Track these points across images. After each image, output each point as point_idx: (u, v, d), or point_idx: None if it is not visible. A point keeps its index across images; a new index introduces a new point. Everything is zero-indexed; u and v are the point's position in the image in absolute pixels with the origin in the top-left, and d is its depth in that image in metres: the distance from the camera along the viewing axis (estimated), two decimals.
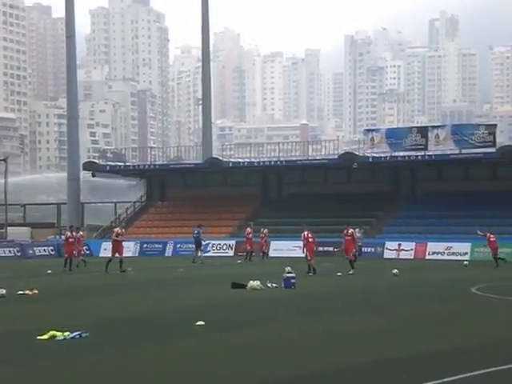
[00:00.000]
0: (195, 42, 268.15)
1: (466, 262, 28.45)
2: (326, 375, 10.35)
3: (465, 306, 18.82)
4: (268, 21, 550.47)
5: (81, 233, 39.52)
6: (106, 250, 52.74)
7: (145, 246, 52.42)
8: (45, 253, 51.02)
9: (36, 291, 22.24)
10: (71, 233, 36.52)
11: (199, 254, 40.91)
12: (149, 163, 61.48)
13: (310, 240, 30.67)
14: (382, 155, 52.60)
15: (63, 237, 36.69)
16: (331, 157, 55.70)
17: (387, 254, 45.50)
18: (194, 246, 42.21)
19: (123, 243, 34.39)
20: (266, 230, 43.70)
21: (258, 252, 43.81)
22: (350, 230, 31.45)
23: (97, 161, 69.60)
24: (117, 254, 33.25)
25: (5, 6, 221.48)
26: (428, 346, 12.46)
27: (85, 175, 65.04)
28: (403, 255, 44.94)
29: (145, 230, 57.36)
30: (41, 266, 36.48)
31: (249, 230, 43.04)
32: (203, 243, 42.39)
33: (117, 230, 34.83)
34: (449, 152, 51.38)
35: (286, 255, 45.83)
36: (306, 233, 30.77)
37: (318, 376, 10.27)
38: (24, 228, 60.82)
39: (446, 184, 53.20)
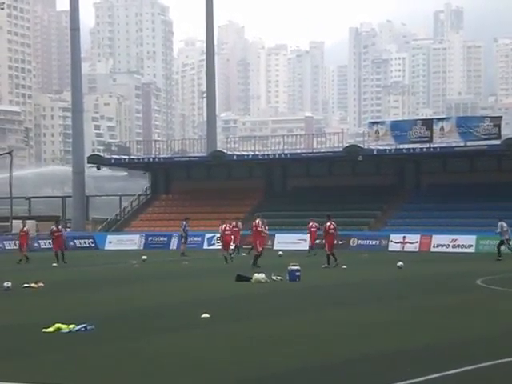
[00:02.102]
0: (199, 35, 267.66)
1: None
2: (330, 368, 10.37)
3: (469, 298, 18.79)
4: (272, 13, 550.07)
5: (27, 227, 38.94)
6: (111, 243, 52.97)
7: (150, 238, 52.47)
8: (50, 246, 50.97)
9: (41, 284, 22.30)
10: (57, 227, 36.31)
11: (182, 247, 41.06)
12: (153, 156, 61.49)
13: (331, 232, 30.55)
14: (387, 148, 52.53)
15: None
16: (336, 149, 55.67)
17: (392, 247, 45.47)
18: (184, 239, 41.91)
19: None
20: (240, 223, 43.31)
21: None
22: (328, 223, 30.66)
23: (101, 154, 69.67)
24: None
25: None
26: (432, 338, 12.46)
27: (89, 168, 65.17)
28: (408, 248, 44.90)
29: (150, 222, 57.46)
30: (46, 259, 36.55)
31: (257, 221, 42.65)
32: (183, 236, 42.32)
33: (258, 221, 31.12)
34: (454, 144, 51.30)
35: (290, 248, 45.88)
36: (328, 224, 30.64)
37: (322, 369, 10.29)
38: (29, 221, 60.89)
39: (451, 176, 53.12)
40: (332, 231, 30.65)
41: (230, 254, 33.86)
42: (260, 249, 30.41)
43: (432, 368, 10.01)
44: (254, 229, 30.86)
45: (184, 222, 41.95)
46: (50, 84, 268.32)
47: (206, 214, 54.56)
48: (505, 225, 36.03)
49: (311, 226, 40.14)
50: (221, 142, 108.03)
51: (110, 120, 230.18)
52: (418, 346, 11.85)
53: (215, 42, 73.53)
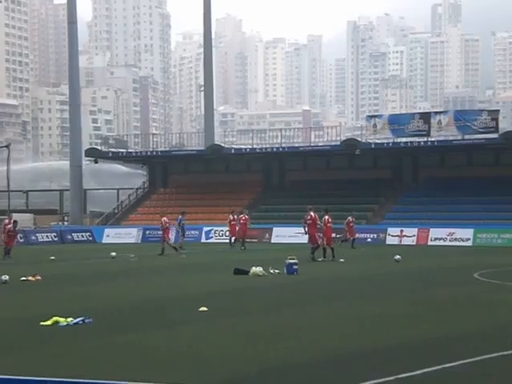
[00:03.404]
0: (197, 28, 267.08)
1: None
2: (329, 361, 10.38)
3: (466, 292, 18.82)
4: (270, 6, 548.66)
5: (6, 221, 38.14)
6: (108, 236, 52.97)
7: (147, 232, 52.48)
8: (48, 239, 51.15)
9: (39, 277, 22.31)
10: (14, 228, 35.24)
11: (180, 240, 40.82)
12: (151, 150, 61.48)
13: (329, 225, 30.49)
14: (385, 141, 52.59)
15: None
16: (334, 143, 55.72)
17: (389, 240, 45.52)
18: (181, 233, 41.63)
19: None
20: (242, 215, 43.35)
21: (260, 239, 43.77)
22: (327, 217, 30.64)
23: (99, 147, 69.57)
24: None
25: None
26: (429, 332, 12.49)
27: (87, 161, 65.04)
28: (405, 241, 44.96)
29: (147, 216, 57.44)
30: (44, 253, 36.54)
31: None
32: (179, 230, 42.32)
33: (327, 217, 30.53)
34: (451, 138, 51.36)
35: (288, 241, 45.95)
36: (326, 217, 30.57)
37: (321, 362, 10.30)
38: (27, 214, 60.86)
39: (449, 170, 53.19)
40: (329, 224, 30.74)
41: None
42: (324, 243, 30.34)
43: (429, 361, 10.02)
44: (324, 224, 30.59)
45: (180, 216, 41.85)
46: (48, 77, 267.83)
47: (203, 208, 54.60)
48: None
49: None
50: (218, 135, 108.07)
51: (107, 113, 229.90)
52: (415, 339, 11.87)
53: (213, 36, 73.49)
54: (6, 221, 36.91)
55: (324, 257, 29.88)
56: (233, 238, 42.60)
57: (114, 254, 33.59)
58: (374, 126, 53.28)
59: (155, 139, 65.44)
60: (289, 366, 10.08)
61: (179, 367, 10.12)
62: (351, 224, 40.65)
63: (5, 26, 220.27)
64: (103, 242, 52.03)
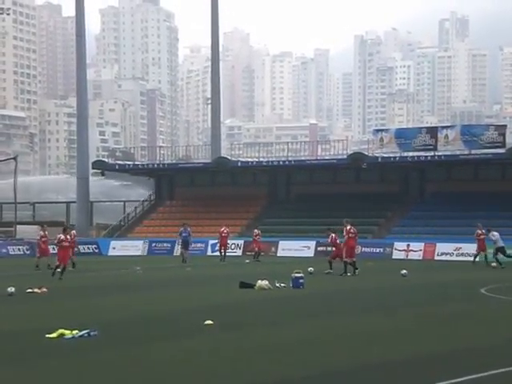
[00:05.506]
0: (204, 42, 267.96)
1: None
2: (331, 376, 10.34)
3: (473, 307, 18.75)
4: (277, 20, 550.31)
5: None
6: (114, 248, 52.98)
7: (153, 245, 52.50)
8: (54, 251, 51.00)
9: (45, 289, 22.30)
10: (65, 236, 33.85)
11: (185, 255, 40.53)
12: (158, 162, 61.53)
13: (351, 235, 30.02)
14: (391, 155, 52.55)
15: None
16: (340, 157, 55.66)
17: (396, 255, 45.41)
18: (184, 245, 41.15)
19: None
20: (256, 230, 43.70)
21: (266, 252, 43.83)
22: (348, 227, 30.11)
23: (106, 160, 69.70)
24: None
25: (15, 5, 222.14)
26: (435, 347, 12.43)
27: (94, 174, 65.17)
28: (412, 256, 44.84)
29: (153, 229, 57.46)
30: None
31: (256, 231, 43.29)
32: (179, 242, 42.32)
33: (349, 227, 30.04)
34: (458, 152, 51.31)
35: (294, 255, 45.93)
36: (348, 227, 30.05)
37: (323, 377, 10.26)
38: (33, 226, 60.91)
39: (456, 184, 53.07)
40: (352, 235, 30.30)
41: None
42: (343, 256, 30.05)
43: (435, 377, 9.97)
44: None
45: (181, 229, 41.72)
46: (55, 90, 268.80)
47: (209, 221, 54.57)
48: (495, 233, 36.29)
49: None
50: (225, 148, 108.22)
51: (114, 126, 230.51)
52: (420, 354, 11.80)
53: (220, 49, 73.57)
54: (41, 232, 36.94)
55: (345, 271, 29.47)
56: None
57: None
58: (381, 140, 53.28)
59: (162, 152, 65.49)
60: (292, 379, 10.04)
61: (183, 381, 10.09)
62: (482, 236, 37.20)
63: (13, 39, 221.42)
64: (109, 254, 52.03)
